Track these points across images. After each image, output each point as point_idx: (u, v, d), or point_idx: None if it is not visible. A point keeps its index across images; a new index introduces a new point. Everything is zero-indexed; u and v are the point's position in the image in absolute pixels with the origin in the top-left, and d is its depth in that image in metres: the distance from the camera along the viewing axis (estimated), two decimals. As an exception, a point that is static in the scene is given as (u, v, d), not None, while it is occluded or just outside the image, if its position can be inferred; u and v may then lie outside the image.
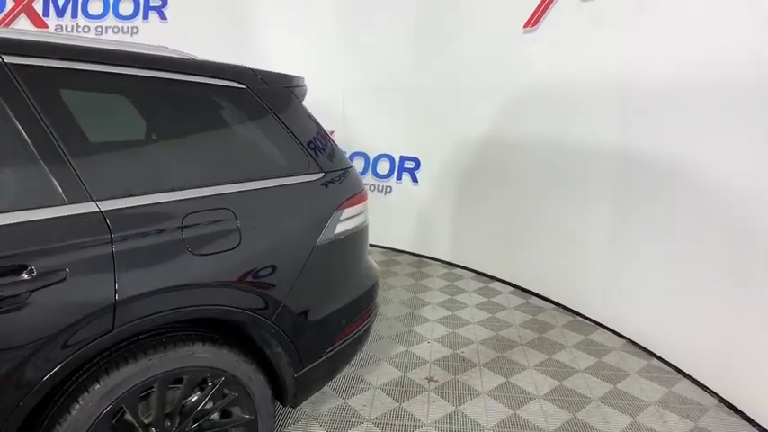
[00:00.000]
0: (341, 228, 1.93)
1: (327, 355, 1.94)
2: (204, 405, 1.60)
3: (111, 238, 1.35)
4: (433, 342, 3.04)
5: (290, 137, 1.87)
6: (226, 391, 1.64)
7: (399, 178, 4.70)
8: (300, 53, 4.52)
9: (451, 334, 3.16)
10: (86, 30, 4.81)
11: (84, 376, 1.38)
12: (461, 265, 4.38)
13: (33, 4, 4.71)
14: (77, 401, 1.35)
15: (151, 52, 1.61)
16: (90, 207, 1.35)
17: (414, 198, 4.62)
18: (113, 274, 1.34)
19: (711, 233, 2.49)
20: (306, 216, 1.83)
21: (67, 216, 1.32)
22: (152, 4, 4.87)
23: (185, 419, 1.58)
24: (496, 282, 4.06)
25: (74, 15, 4.80)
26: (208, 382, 1.60)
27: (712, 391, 2.52)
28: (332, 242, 1.89)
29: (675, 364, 2.75)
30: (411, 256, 4.69)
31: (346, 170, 2.05)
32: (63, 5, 4.77)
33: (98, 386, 1.37)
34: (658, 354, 2.86)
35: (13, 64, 1.34)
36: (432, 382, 2.60)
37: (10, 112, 1.30)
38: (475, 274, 4.22)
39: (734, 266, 2.38)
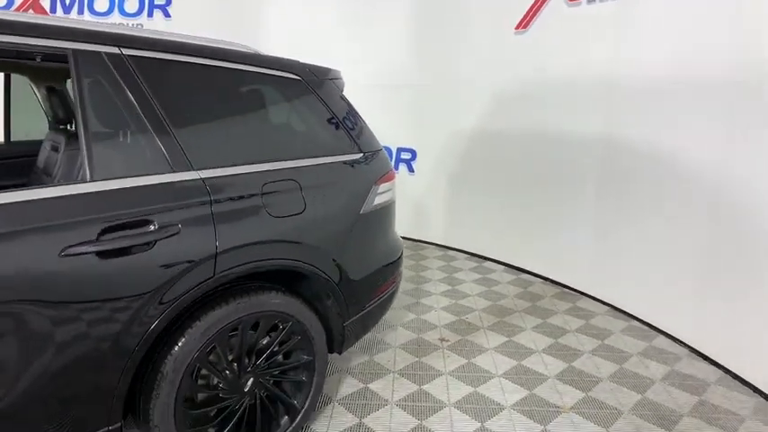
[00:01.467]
0: (378, 200, 2.25)
1: (366, 310, 2.26)
2: (275, 346, 1.90)
3: (211, 200, 1.64)
4: (439, 311, 3.39)
5: (335, 121, 2.18)
6: (291, 335, 1.94)
7: (396, 168, 5.03)
8: (303, 51, 4.78)
9: (455, 304, 3.51)
10: (92, 26, 4.95)
11: (189, 316, 1.66)
12: (455, 247, 4.76)
13: (41, 0, 4.84)
14: (183, 336, 1.63)
15: (233, 48, 1.90)
16: (193, 175, 1.64)
17: (410, 187, 4.95)
18: (214, 230, 1.63)
19: (683, 211, 2.92)
20: (351, 189, 2.15)
21: (176, 182, 1.60)
22: (156, 3, 5.06)
23: (259, 358, 1.88)
24: (489, 261, 4.44)
25: (80, 11, 4.95)
26: (283, 325, 1.89)
27: (684, 344, 2.96)
28: (371, 212, 2.21)
29: (653, 324, 3.18)
30: (408, 240, 5.03)
31: (378, 151, 2.38)
32: (70, 2, 4.91)
33: (199, 323, 1.66)
34: (637, 316, 3.29)
35: (129, 55, 1.62)
36: (444, 342, 2.95)
37: (131, 97, 1.57)
38: (468, 255, 4.60)
39: (701, 239, 2.81)
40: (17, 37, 1.41)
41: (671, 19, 2.90)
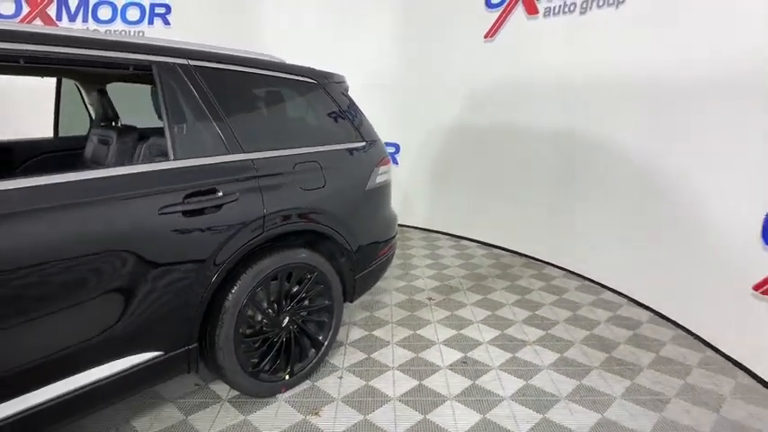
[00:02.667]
0: (378, 179, 2.81)
1: (371, 268, 2.82)
2: (304, 292, 2.43)
3: (258, 175, 2.17)
4: (425, 278, 3.97)
5: (343, 116, 2.73)
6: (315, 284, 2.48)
7: (381, 161, 5.58)
8: (298, 58, 5.28)
9: (438, 273, 4.09)
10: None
11: (243, 265, 2.17)
12: (436, 229, 5.35)
13: (47, 9, 5.19)
14: (239, 280, 2.15)
15: (266, 59, 2.43)
16: (244, 156, 2.16)
17: (394, 177, 5.47)
18: (261, 198, 2.15)
19: (619, 189, 3.56)
20: (358, 170, 2.69)
21: (233, 161, 2.12)
22: (157, 12, 5.47)
23: (291, 301, 2.40)
24: (465, 240, 5.05)
25: (84, 20, 5.32)
26: (308, 276, 2.42)
27: (625, 295, 3.61)
28: (374, 189, 2.77)
29: (601, 282, 3.83)
30: (392, 226, 5.59)
31: (376, 141, 2.93)
32: (75, 11, 5.27)
33: (253, 269, 2.18)
34: (588, 276, 3.94)
35: (184, 66, 2.12)
36: (431, 300, 3.53)
37: (200, 102, 2.08)
38: (448, 236, 5.20)
39: (639, 210, 3.46)
40: (118, 53, 1.91)
41: (607, 31, 3.54)
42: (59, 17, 5.24)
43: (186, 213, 1.92)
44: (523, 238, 4.54)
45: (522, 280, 3.96)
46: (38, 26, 1.82)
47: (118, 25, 5.42)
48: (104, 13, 5.38)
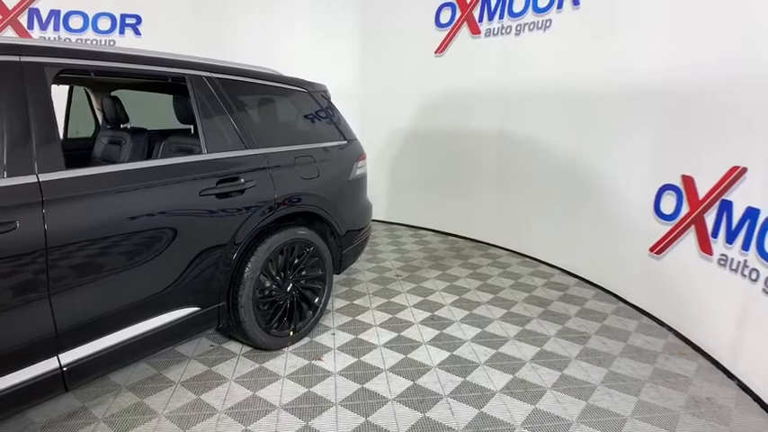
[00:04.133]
0: (358, 172, 3.38)
1: (354, 245, 3.38)
2: (303, 263, 2.95)
3: (269, 167, 2.69)
4: (391, 260, 4.57)
5: (328, 119, 3.28)
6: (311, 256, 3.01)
7: (344, 161, 6.14)
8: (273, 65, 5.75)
9: (401, 256, 4.71)
10: (68, 41, 5.55)
11: (258, 238, 2.67)
12: (396, 222, 5.97)
13: (18, 17, 5.35)
14: (258, 249, 2.65)
15: (269, 72, 2.94)
16: (257, 151, 2.67)
17: (356, 176, 6.08)
18: (273, 185, 2.67)
19: (550, 179, 4.33)
20: (342, 164, 3.25)
21: (249, 155, 2.63)
22: (127, 22, 5.75)
23: (293, 270, 2.92)
24: (422, 230, 5.71)
25: (56, 28, 5.52)
26: (306, 250, 2.95)
27: (557, 267, 4.38)
28: (354, 179, 3.34)
29: (538, 258, 4.59)
30: (356, 220, 6.16)
31: (355, 139, 3.50)
32: (46, 20, 5.46)
33: (266, 243, 2.68)
34: (528, 254, 4.70)
35: (209, 77, 2.61)
36: (399, 276, 4.13)
37: (223, 108, 2.58)
38: (406, 227, 5.83)
39: (563, 196, 4.23)
40: (162, 67, 2.38)
41: (537, 50, 4.31)
42: (31, 26, 5.42)
43: (218, 196, 2.42)
44: (472, 225, 5.25)
45: (473, 259, 4.66)
46: (101, 46, 2.23)
47: (89, 35, 5.65)
48: (76, 22, 5.59)
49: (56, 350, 1.89)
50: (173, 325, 2.32)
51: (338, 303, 3.57)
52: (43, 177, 1.83)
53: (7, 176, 1.76)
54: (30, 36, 5.42)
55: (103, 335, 2.05)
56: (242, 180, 2.53)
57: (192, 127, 2.91)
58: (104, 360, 2.05)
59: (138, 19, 5.79)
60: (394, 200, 5.96)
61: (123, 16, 5.75)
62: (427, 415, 2.31)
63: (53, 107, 1.94)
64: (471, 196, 5.17)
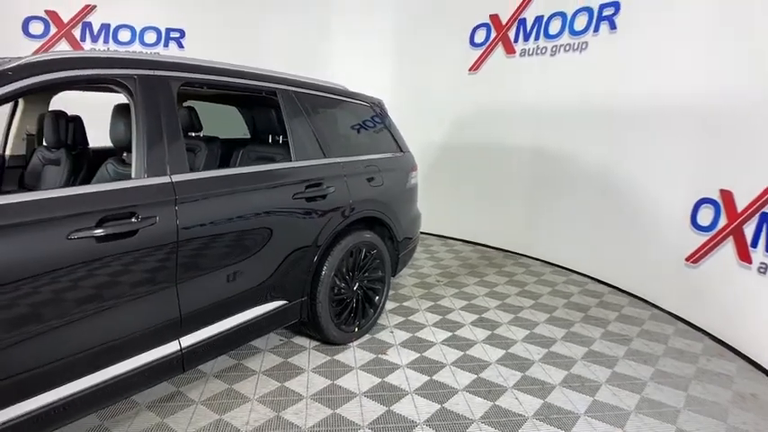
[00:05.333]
0: (412, 181, 3.61)
1: (407, 250, 3.60)
2: (369, 265, 3.16)
3: (344, 174, 2.91)
4: (429, 267, 4.78)
5: (386, 130, 3.52)
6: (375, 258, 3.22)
7: (374, 172, 6.37)
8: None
9: (437, 264, 4.92)
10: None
11: (334, 241, 2.88)
12: (428, 232, 6.18)
13: (72, 30, 5.61)
14: (334, 249, 2.86)
15: (338, 87, 3.19)
16: (334, 160, 2.90)
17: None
18: (348, 191, 2.90)
19: (587, 192, 4.56)
20: (400, 173, 3.48)
21: (328, 163, 2.85)
22: (172, 36, 6.02)
23: (359, 271, 3.13)
24: (452, 240, 5.92)
25: (106, 41, 5.78)
26: (371, 252, 3.16)
27: (589, 276, 4.59)
28: (410, 188, 3.57)
29: (568, 267, 4.80)
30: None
31: (408, 151, 3.74)
32: (97, 33, 5.73)
33: (341, 244, 2.90)
34: (559, 264, 4.91)
35: (295, 92, 2.85)
36: (439, 281, 4.34)
37: (306, 119, 2.81)
38: (437, 237, 6.05)
39: (598, 208, 4.46)
40: (259, 81, 2.61)
41: (573, 70, 4.57)
42: (83, 38, 5.67)
43: (307, 199, 2.64)
44: (503, 235, 5.47)
45: (507, 267, 4.87)
46: (211, 60, 2.46)
47: (136, 47, 5.91)
48: (124, 35, 5.86)
49: (178, 334, 2.10)
50: (268, 315, 2.53)
51: (389, 305, 3.77)
52: (175, 178, 2.05)
53: (148, 177, 1.98)
54: (81, 47, 5.68)
55: (215, 321, 2.25)
56: (324, 185, 2.75)
57: (270, 136, 3.15)
58: (215, 345, 2.25)
59: (182, 33, 6.06)
60: (425, 211, 6.15)
61: (168, 30, 6.02)
62: (497, 403, 2.51)
63: (178, 116, 2.16)
64: (502, 207, 5.40)
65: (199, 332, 2.18)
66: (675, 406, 2.55)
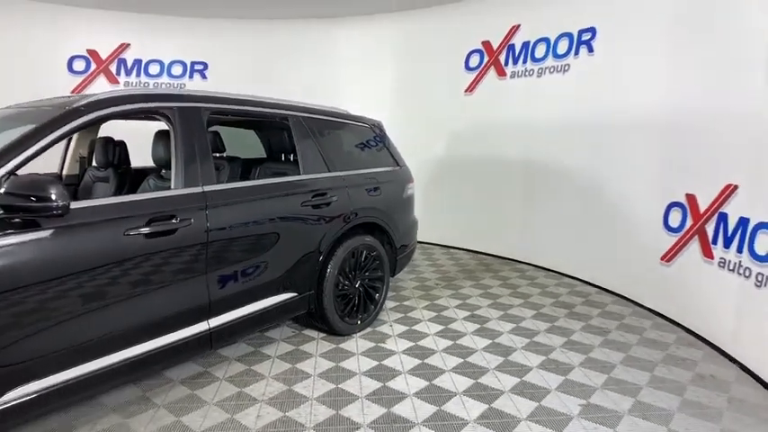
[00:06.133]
0: (408, 192, 4.06)
1: (405, 253, 4.03)
2: (368, 264, 3.59)
3: (346, 186, 3.37)
4: (428, 273, 5.18)
5: (384, 148, 3.99)
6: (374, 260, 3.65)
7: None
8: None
9: (438, 269, 5.32)
10: (146, 85, 6.45)
11: (337, 242, 3.33)
12: (429, 241, 6.59)
13: (109, 66, 6.28)
14: (337, 250, 3.31)
15: (340, 110, 3.68)
16: (337, 174, 3.37)
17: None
18: (349, 199, 3.36)
19: (573, 202, 4.95)
20: (397, 185, 3.93)
21: (331, 176, 3.32)
22: (196, 68, 6.65)
23: (360, 270, 3.56)
24: (453, 248, 6.32)
25: (138, 74, 6.43)
26: (371, 253, 3.59)
27: (580, 279, 4.94)
28: (406, 198, 4.02)
29: (559, 270, 5.16)
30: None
31: (405, 166, 4.19)
32: (130, 67, 6.38)
33: (343, 245, 3.34)
34: (550, 268, 5.26)
35: (303, 117, 3.34)
36: (438, 284, 4.74)
37: (313, 140, 3.29)
38: (438, 246, 6.45)
39: (581, 214, 4.84)
40: (274, 110, 3.12)
41: (558, 89, 5.01)
42: (119, 73, 6.34)
43: (313, 206, 3.11)
44: (499, 243, 5.84)
45: (503, 272, 5.25)
46: (234, 94, 2.99)
47: (164, 79, 6.55)
48: (154, 69, 6.52)
49: (208, 315, 2.55)
50: (281, 305, 2.98)
51: (389, 304, 4.18)
52: (206, 188, 2.53)
53: (184, 187, 2.46)
54: (117, 81, 6.33)
55: (237, 307, 2.71)
56: (328, 195, 3.22)
57: (282, 154, 3.64)
58: (237, 327, 2.71)
59: (205, 65, 6.70)
60: (427, 221, 6.55)
61: (193, 63, 6.67)
62: (479, 381, 2.89)
63: (207, 138, 2.66)
64: (497, 217, 5.79)
65: (224, 315, 2.64)
66: (638, 383, 2.90)
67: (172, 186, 2.49)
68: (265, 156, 4.59)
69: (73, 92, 6.18)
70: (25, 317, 1.91)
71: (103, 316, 2.14)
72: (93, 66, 6.22)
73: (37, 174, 2.21)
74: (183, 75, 6.63)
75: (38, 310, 1.94)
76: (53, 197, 1.88)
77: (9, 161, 1.98)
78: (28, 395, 1.94)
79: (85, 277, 2.06)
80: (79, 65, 6.19)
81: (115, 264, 2.16)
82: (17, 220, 1.90)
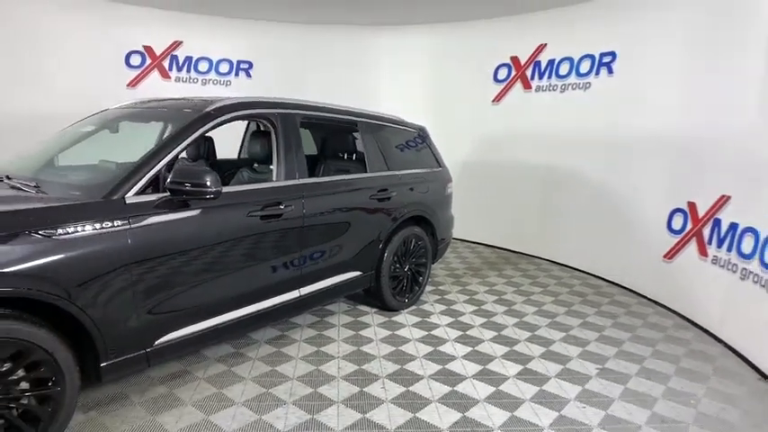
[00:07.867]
0: (448, 190, 4.66)
1: (444, 244, 4.62)
2: (414, 250, 4.18)
3: (401, 183, 3.96)
4: (457, 264, 5.79)
5: (430, 150, 4.58)
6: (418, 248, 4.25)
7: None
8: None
9: (463, 261, 5.93)
10: (195, 81, 7.00)
11: (394, 232, 3.92)
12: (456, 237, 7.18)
13: (163, 62, 6.82)
14: (393, 238, 3.90)
15: (394, 116, 4.26)
16: (394, 173, 3.96)
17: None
18: (403, 195, 3.95)
19: (589, 206, 5.54)
20: (439, 184, 4.52)
21: (390, 174, 3.91)
22: (242, 67, 7.19)
23: (409, 256, 4.15)
24: (475, 243, 6.92)
25: (188, 71, 6.97)
26: (419, 242, 4.19)
27: (592, 274, 5.55)
28: (447, 195, 4.61)
29: (571, 265, 5.77)
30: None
31: (446, 167, 4.78)
32: (181, 64, 6.92)
33: (397, 235, 3.93)
34: (563, 263, 5.87)
35: (368, 122, 3.91)
36: (466, 273, 5.34)
37: (377, 143, 3.88)
38: (462, 241, 7.05)
39: (594, 216, 5.43)
40: (347, 116, 3.70)
41: (579, 104, 5.60)
42: (171, 68, 6.87)
43: (378, 200, 3.70)
44: (519, 239, 6.45)
45: (521, 265, 5.86)
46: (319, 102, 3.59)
47: (212, 75, 7.09)
48: (203, 66, 7.05)
49: (300, 285, 3.15)
50: (350, 280, 3.58)
51: (428, 289, 4.78)
52: (301, 181, 3.12)
53: (285, 179, 3.05)
54: (169, 76, 6.87)
55: (318, 281, 3.30)
56: (389, 190, 3.81)
57: (343, 153, 4.22)
58: (317, 296, 3.31)
59: (250, 64, 7.24)
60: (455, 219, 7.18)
61: (239, 62, 7.21)
62: (513, 348, 3.50)
63: (301, 140, 3.24)
64: (519, 216, 6.39)
65: (310, 286, 3.23)
66: (643, 355, 3.51)
67: (274, 178, 3.07)
68: (317, 153, 5.18)
69: (128, 85, 6.72)
70: (180, 276, 2.49)
71: (232, 280, 2.73)
72: (149, 61, 6.75)
73: (195, 165, 2.80)
74: (230, 72, 7.16)
75: (185, 272, 2.52)
76: (208, 184, 2.45)
77: (164, 157, 2.53)
78: (193, 333, 2.56)
79: (219, 250, 2.64)
80: (135, 59, 6.70)
81: (239, 239, 2.75)
82: (179, 201, 2.47)
